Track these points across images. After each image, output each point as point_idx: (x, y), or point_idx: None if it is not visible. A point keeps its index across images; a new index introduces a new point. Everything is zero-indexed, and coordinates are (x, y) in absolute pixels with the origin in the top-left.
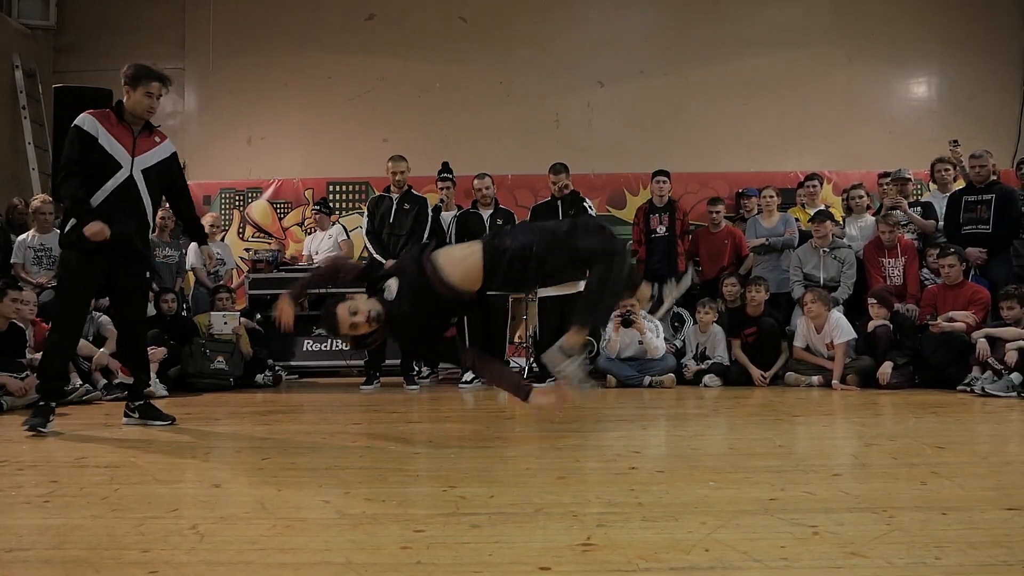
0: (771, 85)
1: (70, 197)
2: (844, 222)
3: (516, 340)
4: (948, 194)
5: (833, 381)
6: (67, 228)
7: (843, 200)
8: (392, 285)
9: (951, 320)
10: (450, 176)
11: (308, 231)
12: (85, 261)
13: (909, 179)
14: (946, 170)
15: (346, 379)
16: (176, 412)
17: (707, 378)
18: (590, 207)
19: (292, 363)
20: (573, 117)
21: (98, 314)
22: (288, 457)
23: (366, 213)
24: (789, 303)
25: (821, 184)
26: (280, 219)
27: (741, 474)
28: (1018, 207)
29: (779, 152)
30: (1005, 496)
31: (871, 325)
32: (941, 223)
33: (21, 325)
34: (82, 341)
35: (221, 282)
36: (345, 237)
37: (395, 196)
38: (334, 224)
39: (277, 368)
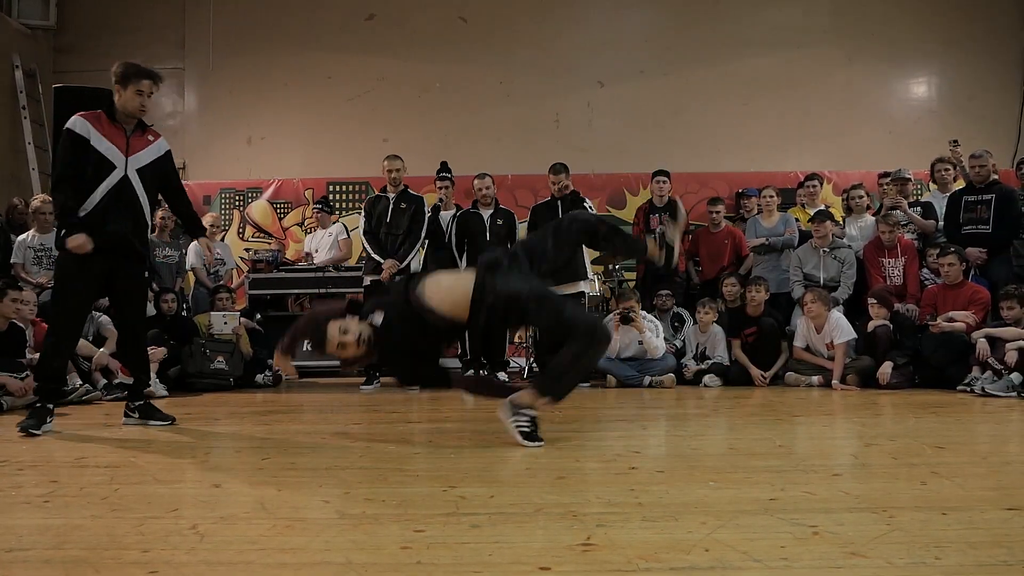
0: (771, 85)
1: (59, 206)
2: (844, 222)
3: (516, 340)
4: (948, 194)
5: (833, 381)
6: (63, 232)
7: (843, 200)
8: (377, 317)
9: (951, 320)
10: (449, 176)
11: (308, 231)
12: (82, 262)
13: (909, 179)
14: (946, 170)
15: (346, 379)
16: (176, 412)
17: (707, 378)
18: (590, 207)
19: (292, 363)
20: (573, 117)
21: (98, 314)
22: (288, 457)
23: (363, 213)
24: (789, 303)
25: (821, 184)
26: (280, 219)
27: (741, 474)
28: (1018, 207)
29: (779, 152)
30: (1005, 496)
31: (871, 325)
32: (941, 223)
33: (21, 325)
34: (82, 341)
35: (221, 282)
36: (346, 236)
37: (391, 196)
38: (335, 223)
39: (277, 368)
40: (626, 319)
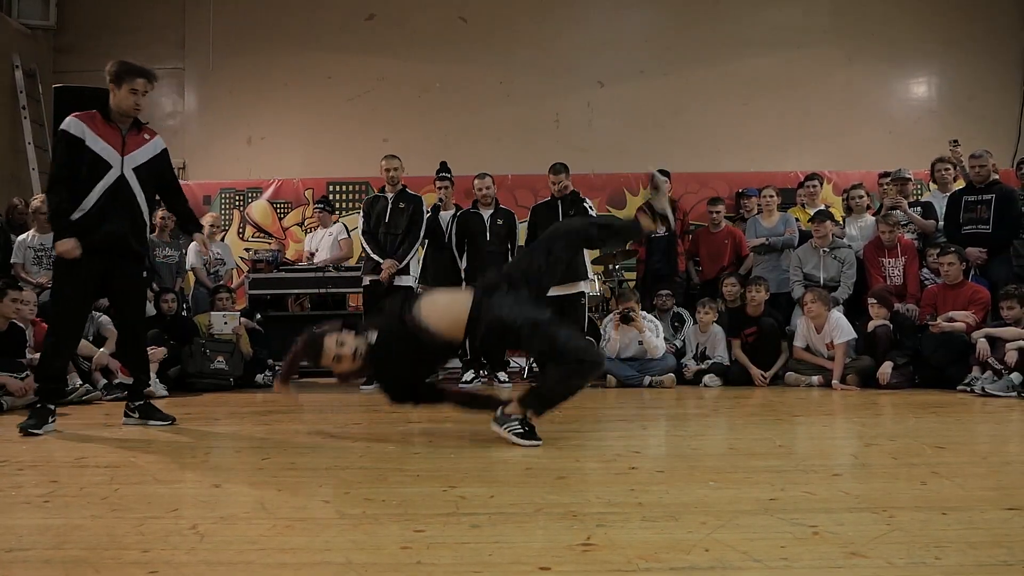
0: (771, 85)
1: (52, 209)
2: (844, 222)
3: None
4: (948, 194)
5: (833, 381)
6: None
7: (843, 200)
8: (372, 335)
9: (951, 320)
10: (448, 175)
11: (308, 231)
12: (77, 263)
13: (909, 179)
14: (946, 170)
15: None
16: (176, 412)
17: (707, 378)
18: (590, 207)
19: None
20: (573, 117)
21: (98, 314)
22: (288, 457)
23: (361, 214)
24: (789, 303)
25: (821, 184)
26: (280, 219)
27: (741, 474)
28: (1018, 207)
29: (779, 152)
30: (1005, 496)
31: (871, 325)
32: (941, 223)
33: (21, 325)
34: (82, 341)
35: (221, 282)
36: (346, 236)
37: (390, 196)
38: (336, 223)
39: (277, 368)
40: (626, 319)
